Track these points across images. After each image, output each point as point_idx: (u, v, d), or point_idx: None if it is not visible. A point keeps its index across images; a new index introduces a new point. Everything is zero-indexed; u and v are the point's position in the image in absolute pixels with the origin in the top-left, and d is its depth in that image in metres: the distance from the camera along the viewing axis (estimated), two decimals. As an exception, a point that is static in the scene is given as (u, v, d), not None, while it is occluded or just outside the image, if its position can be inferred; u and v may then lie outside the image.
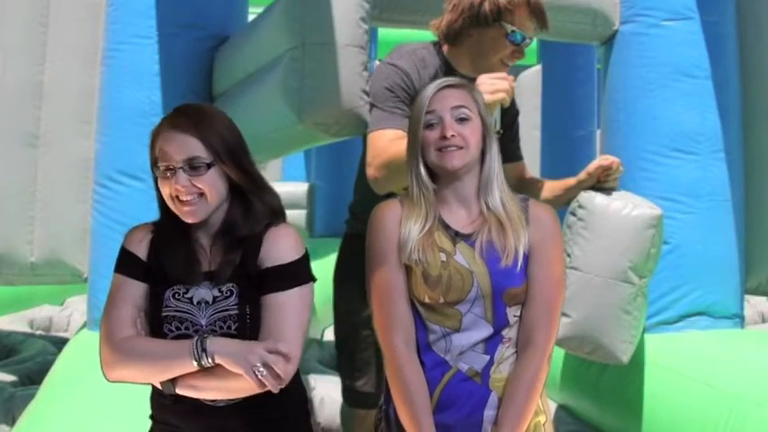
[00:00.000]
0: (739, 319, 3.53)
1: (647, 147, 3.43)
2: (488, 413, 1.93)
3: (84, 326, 3.83)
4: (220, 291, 1.86)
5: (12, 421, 3.89)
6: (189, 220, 1.87)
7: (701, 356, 3.28)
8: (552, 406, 3.79)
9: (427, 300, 1.94)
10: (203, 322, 1.84)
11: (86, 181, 3.75)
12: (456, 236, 1.97)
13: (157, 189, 1.92)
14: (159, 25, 3.55)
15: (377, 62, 4.03)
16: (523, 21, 2.60)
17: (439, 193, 2.02)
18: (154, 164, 1.90)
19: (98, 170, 3.63)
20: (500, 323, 1.94)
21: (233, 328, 1.84)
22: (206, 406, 1.86)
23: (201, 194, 1.84)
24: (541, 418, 2.01)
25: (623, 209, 2.76)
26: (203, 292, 1.86)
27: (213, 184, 1.85)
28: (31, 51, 3.79)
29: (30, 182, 3.77)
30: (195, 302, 1.86)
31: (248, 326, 1.84)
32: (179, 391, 1.82)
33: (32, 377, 4.69)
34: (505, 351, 1.96)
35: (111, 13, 3.64)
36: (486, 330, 1.94)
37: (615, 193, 2.77)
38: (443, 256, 1.94)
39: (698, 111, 3.43)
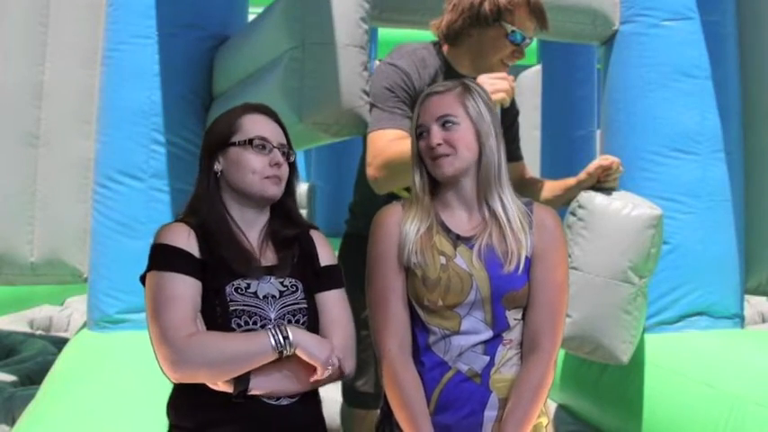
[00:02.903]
0: (739, 319, 3.52)
1: (647, 147, 3.43)
2: (489, 414, 1.92)
3: (84, 326, 3.83)
4: (284, 285, 1.89)
5: (12, 421, 3.89)
6: (270, 194, 1.92)
7: (701, 356, 3.28)
8: (552, 406, 3.80)
9: (426, 302, 1.94)
10: (272, 316, 1.85)
11: (86, 181, 3.74)
12: (457, 239, 1.97)
13: (201, 181, 1.94)
14: (159, 25, 3.54)
15: (377, 62, 4.03)
16: (523, 21, 2.60)
17: (442, 196, 2.02)
18: (224, 142, 1.92)
19: (98, 170, 3.63)
20: (500, 326, 1.94)
21: (301, 321, 1.88)
22: (269, 405, 1.82)
23: (280, 179, 1.93)
24: (543, 420, 2.01)
25: (623, 209, 2.76)
26: (267, 287, 1.87)
27: (286, 176, 1.96)
28: (31, 51, 3.79)
29: (30, 182, 3.76)
30: (261, 296, 1.85)
31: (314, 320, 1.90)
32: (255, 387, 1.78)
33: (32, 377, 4.69)
34: (507, 353, 1.95)
35: (111, 13, 3.64)
36: (486, 333, 1.93)
37: (615, 193, 2.77)
38: (443, 260, 1.94)
39: (698, 111, 3.43)
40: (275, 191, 1.92)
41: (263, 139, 1.92)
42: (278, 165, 1.92)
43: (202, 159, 1.97)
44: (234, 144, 1.92)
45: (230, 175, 1.92)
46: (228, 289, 1.84)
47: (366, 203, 2.78)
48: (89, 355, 3.44)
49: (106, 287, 3.53)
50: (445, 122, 1.98)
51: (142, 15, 3.56)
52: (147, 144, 3.52)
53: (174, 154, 3.52)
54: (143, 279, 1.90)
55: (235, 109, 2.00)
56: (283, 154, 1.94)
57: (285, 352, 1.78)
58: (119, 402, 2.93)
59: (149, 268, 1.87)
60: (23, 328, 6.52)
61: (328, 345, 1.85)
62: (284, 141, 1.97)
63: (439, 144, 1.96)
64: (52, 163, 3.78)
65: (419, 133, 2.01)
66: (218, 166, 1.93)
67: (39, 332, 6.54)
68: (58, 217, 3.77)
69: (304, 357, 1.80)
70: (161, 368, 1.80)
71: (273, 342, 1.78)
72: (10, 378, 4.69)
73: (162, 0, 3.55)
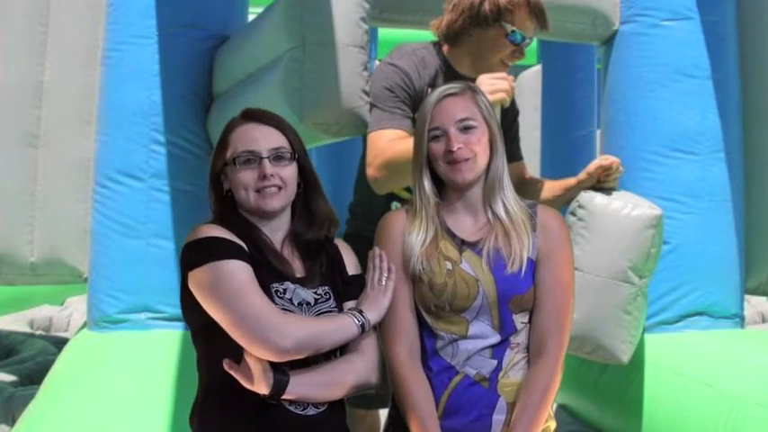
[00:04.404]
0: (739, 319, 3.52)
1: (647, 147, 3.43)
2: (497, 418, 1.92)
3: (84, 326, 3.83)
4: (318, 293, 1.88)
5: (12, 421, 3.89)
6: (269, 208, 1.87)
7: (701, 356, 3.28)
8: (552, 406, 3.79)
9: (433, 307, 1.94)
10: None
11: (86, 181, 3.74)
12: (462, 244, 1.97)
13: (217, 203, 1.92)
14: (159, 25, 3.54)
15: (377, 62, 4.03)
16: (523, 21, 2.60)
17: (447, 201, 2.01)
18: (222, 164, 1.90)
19: (98, 170, 3.63)
20: (507, 330, 1.94)
21: None
22: (295, 415, 1.81)
23: (280, 188, 1.88)
24: (551, 424, 2.01)
25: (623, 209, 2.76)
26: (302, 294, 1.86)
27: (293, 177, 1.90)
28: (31, 51, 3.79)
29: (30, 182, 3.76)
30: (296, 303, 1.84)
31: None
32: (291, 389, 1.77)
33: (32, 377, 4.69)
34: (514, 356, 1.95)
35: (111, 12, 3.64)
36: (494, 337, 1.93)
37: (615, 193, 2.77)
38: (449, 265, 1.94)
39: (698, 111, 3.43)
40: (273, 204, 1.88)
41: (247, 152, 1.87)
42: (265, 177, 1.86)
43: (209, 182, 1.95)
44: (227, 164, 1.90)
45: (234, 193, 1.91)
46: (271, 288, 1.83)
47: (366, 203, 2.78)
48: (89, 355, 3.44)
49: (106, 287, 3.53)
50: (465, 126, 1.96)
51: (142, 15, 3.56)
52: (147, 144, 3.52)
53: (174, 154, 3.51)
54: (184, 277, 1.84)
55: (229, 122, 1.96)
56: (279, 158, 1.88)
57: (366, 326, 1.85)
58: (118, 402, 2.93)
59: (201, 262, 1.80)
60: (23, 328, 6.52)
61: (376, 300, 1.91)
62: (279, 144, 1.90)
63: (459, 148, 1.94)
64: (52, 163, 3.78)
65: (433, 136, 1.97)
66: (226, 185, 1.92)
67: (39, 332, 6.53)
68: (58, 217, 3.77)
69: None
70: (258, 352, 1.74)
71: (357, 325, 1.83)
72: (10, 378, 4.69)
73: (162, 0, 3.54)
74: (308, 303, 1.86)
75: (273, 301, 1.81)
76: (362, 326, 1.85)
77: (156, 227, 3.47)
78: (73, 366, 3.41)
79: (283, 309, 1.82)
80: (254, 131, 1.90)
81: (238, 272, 1.79)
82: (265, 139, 1.89)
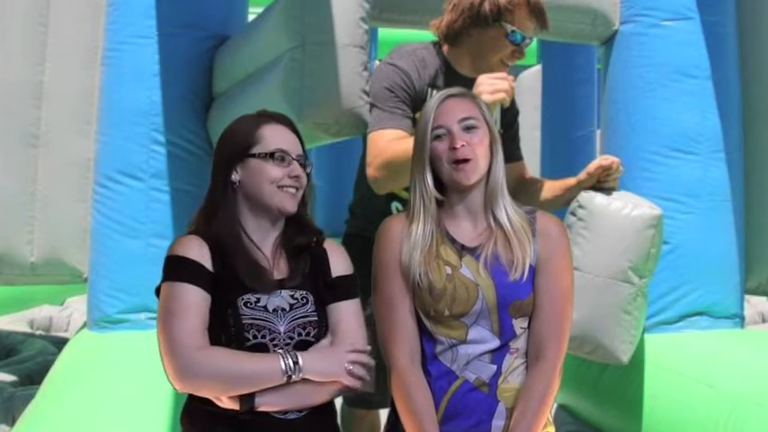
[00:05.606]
0: (739, 319, 3.52)
1: (647, 147, 3.43)
2: (497, 423, 1.92)
3: (84, 326, 3.83)
4: (295, 298, 1.88)
5: (12, 421, 3.89)
6: (289, 208, 1.91)
7: (701, 356, 3.28)
8: (552, 406, 3.79)
9: (433, 312, 1.94)
10: (282, 329, 1.85)
11: (86, 181, 3.75)
12: (462, 249, 1.97)
13: (216, 191, 1.92)
14: (159, 25, 3.54)
15: (377, 62, 4.02)
16: (523, 21, 2.60)
17: (448, 205, 2.01)
18: (243, 152, 1.91)
19: (98, 170, 3.63)
20: (507, 335, 1.94)
21: (312, 334, 1.88)
22: (277, 420, 1.82)
23: (297, 189, 1.93)
24: (550, 429, 2.01)
25: (623, 209, 2.76)
26: (278, 300, 1.87)
27: (304, 186, 1.95)
28: (31, 51, 3.79)
29: (30, 182, 3.77)
30: (271, 310, 1.85)
31: (324, 332, 1.90)
32: (262, 404, 1.78)
33: (32, 377, 4.69)
34: (513, 361, 1.95)
35: (111, 12, 3.64)
36: (493, 342, 1.93)
37: (615, 193, 2.77)
38: (449, 270, 1.94)
39: (698, 111, 3.43)
40: (292, 205, 1.92)
41: (283, 151, 1.91)
42: (297, 177, 1.91)
43: (217, 169, 1.94)
44: (254, 155, 1.91)
45: (248, 185, 1.91)
46: (239, 302, 1.84)
47: (366, 203, 2.78)
48: (89, 355, 3.44)
49: (106, 287, 3.53)
50: (468, 126, 1.96)
51: (142, 15, 3.56)
52: (147, 144, 3.52)
53: (174, 154, 3.51)
54: (158, 292, 1.88)
55: (251, 118, 1.98)
56: (301, 165, 1.94)
57: (294, 377, 1.79)
58: (118, 402, 2.93)
59: (162, 280, 1.86)
60: (23, 328, 6.52)
61: (338, 357, 1.85)
62: (302, 152, 1.96)
63: (463, 145, 1.94)
64: (52, 163, 3.78)
65: (436, 135, 1.97)
66: (236, 177, 1.92)
67: (39, 332, 6.54)
68: (57, 217, 3.77)
69: (316, 380, 1.82)
70: (167, 377, 1.80)
71: (283, 366, 1.78)
72: (10, 378, 4.69)
73: (162, 0, 3.55)
74: (283, 309, 1.86)
75: (242, 311, 1.82)
76: (289, 374, 1.79)
77: (155, 227, 3.47)
78: (73, 366, 3.42)
79: (254, 319, 1.82)
80: (286, 134, 1.95)
81: (183, 294, 1.81)
82: (293, 144, 1.95)
